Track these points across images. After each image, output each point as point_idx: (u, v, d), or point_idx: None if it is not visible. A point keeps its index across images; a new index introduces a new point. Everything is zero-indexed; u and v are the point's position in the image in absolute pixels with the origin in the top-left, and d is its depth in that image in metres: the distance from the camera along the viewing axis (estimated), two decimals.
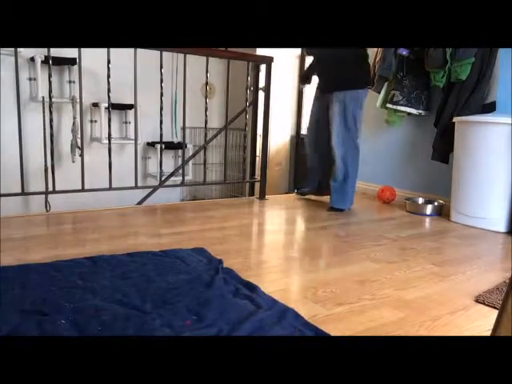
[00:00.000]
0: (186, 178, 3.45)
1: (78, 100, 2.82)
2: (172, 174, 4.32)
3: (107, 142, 2.79)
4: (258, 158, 3.58)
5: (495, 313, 0.83)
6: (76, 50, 2.95)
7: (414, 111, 3.23)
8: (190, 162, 4.66)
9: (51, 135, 2.62)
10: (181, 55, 3.72)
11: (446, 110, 2.98)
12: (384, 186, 3.45)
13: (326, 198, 3.17)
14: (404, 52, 3.13)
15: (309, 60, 3.57)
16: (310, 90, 4.69)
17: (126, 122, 4.53)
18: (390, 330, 1.35)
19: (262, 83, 3.32)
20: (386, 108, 3.34)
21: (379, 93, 3.35)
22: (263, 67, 3.26)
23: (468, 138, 2.72)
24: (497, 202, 2.66)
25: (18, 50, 2.70)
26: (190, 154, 4.60)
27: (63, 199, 3.30)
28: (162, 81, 2.84)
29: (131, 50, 2.68)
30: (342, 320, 1.40)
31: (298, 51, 4.64)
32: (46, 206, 3.43)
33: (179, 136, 4.86)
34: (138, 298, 1.41)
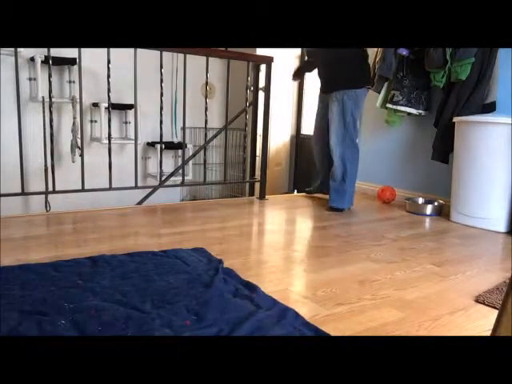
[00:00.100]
0: (186, 178, 3.45)
1: (78, 100, 2.82)
2: (172, 174, 4.32)
3: (107, 142, 2.79)
4: (258, 158, 3.58)
5: (495, 313, 0.83)
6: (76, 50, 2.95)
7: (414, 111, 3.23)
8: (190, 162, 4.66)
9: (51, 135, 2.62)
10: (181, 55, 3.72)
11: (446, 110, 2.98)
12: (384, 186, 3.45)
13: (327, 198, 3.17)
14: (404, 52, 3.14)
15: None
16: (310, 90, 4.69)
17: (126, 122, 4.53)
18: (390, 330, 1.35)
19: (262, 83, 3.32)
20: (386, 108, 3.34)
21: (379, 93, 3.35)
22: (263, 67, 3.26)
23: (468, 138, 2.72)
24: (497, 202, 2.66)
25: (18, 50, 2.70)
26: (190, 154, 4.60)
27: (63, 199, 3.31)
28: (161, 81, 2.84)
29: (131, 50, 2.68)
30: (342, 320, 1.40)
31: (298, 51, 4.64)
32: (45, 206, 3.43)
33: (179, 136, 4.86)
34: (138, 298, 1.42)
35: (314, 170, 3.49)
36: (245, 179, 4.27)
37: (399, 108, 3.24)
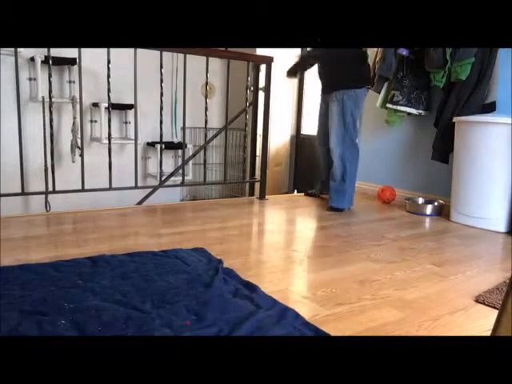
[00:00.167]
0: (186, 178, 3.45)
1: (78, 100, 2.82)
2: (172, 174, 4.32)
3: (107, 142, 2.79)
4: (258, 158, 3.58)
5: (495, 313, 0.83)
6: (76, 50, 2.95)
7: (414, 111, 3.23)
8: (190, 162, 4.66)
9: (51, 135, 2.62)
10: (181, 55, 3.72)
11: (446, 110, 2.98)
12: (384, 186, 3.45)
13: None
14: (404, 52, 3.14)
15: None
16: (310, 90, 4.69)
17: (125, 122, 4.53)
18: (390, 330, 1.35)
19: (262, 83, 3.32)
20: (386, 108, 3.34)
21: (379, 93, 3.35)
22: (263, 67, 3.26)
23: (468, 138, 2.72)
24: (497, 202, 2.66)
25: (18, 50, 2.70)
26: (190, 154, 4.60)
27: (63, 199, 3.30)
28: (161, 81, 2.84)
29: (131, 50, 2.68)
30: (342, 320, 1.40)
31: (298, 51, 4.63)
32: (45, 206, 3.43)
33: (179, 136, 4.86)
34: (138, 298, 1.41)
35: (314, 170, 3.49)
36: (245, 179, 4.27)
37: (399, 108, 3.24)
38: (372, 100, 3.34)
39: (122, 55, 3.00)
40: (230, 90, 3.20)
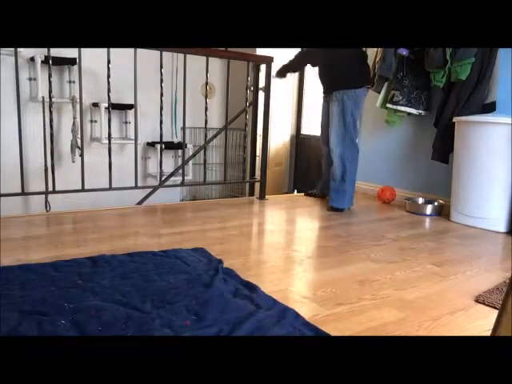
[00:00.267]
0: (186, 178, 3.45)
1: (78, 100, 2.82)
2: (172, 174, 4.32)
3: (107, 142, 2.79)
4: (258, 158, 3.58)
5: (495, 313, 0.83)
6: (76, 50, 2.95)
7: (414, 111, 3.23)
8: (190, 162, 4.66)
9: (51, 135, 2.62)
10: (181, 55, 3.72)
11: (446, 110, 2.98)
12: (384, 186, 3.45)
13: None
14: (404, 52, 3.14)
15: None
16: (310, 90, 4.69)
17: (126, 122, 4.53)
18: (390, 330, 1.35)
19: (262, 83, 3.32)
20: (386, 108, 3.34)
21: (379, 93, 3.35)
22: (263, 67, 3.26)
23: (468, 138, 2.72)
24: (497, 202, 2.66)
25: (18, 50, 2.70)
26: (190, 154, 4.60)
27: (63, 199, 3.30)
28: (161, 81, 2.84)
29: (131, 50, 2.68)
30: (341, 320, 1.40)
31: (297, 51, 4.63)
32: (46, 206, 3.43)
33: (179, 136, 4.86)
34: (138, 298, 1.41)
35: (314, 170, 3.49)
36: (245, 179, 4.27)
37: (399, 108, 3.24)
38: (372, 100, 3.34)
39: (122, 55, 3.00)
40: (230, 90, 3.20)
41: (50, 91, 2.57)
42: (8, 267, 1.63)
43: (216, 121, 5.00)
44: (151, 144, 4.63)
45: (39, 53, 3.79)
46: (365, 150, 3.46)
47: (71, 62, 3.92)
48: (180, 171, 3.58)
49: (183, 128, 3.16)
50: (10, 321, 1.22)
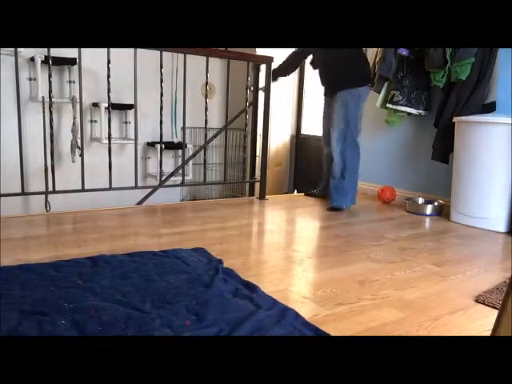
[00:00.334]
0: (186, 178, 3.45)
1: (78, 100, 2.82)
2: (172, 174, 4.32)
3: (107, 142, 2.79)
4: (258, 158, 3.57)
5: (495, 313, 0.83)
6: (76, 50, 2.95)
7: (414, 111, 3.23)
8: (190, 162, 4.66)
9: (51, 135, 2.62)
10: (181, 55, 3.72)
11: (446, 110, 2.98)
12: (384, 186, 3.45)
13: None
14: (404, 52, 3.14)
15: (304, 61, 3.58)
16: (310, 90, 4.69)
17: (126, 122, 4.53)
18: (390, 330, 1.35)
19: (262, 83, 3.32)
20: (386, 108, 3.34)
21: (379, 93, 3.35)
22: (263, 67, 3.26)
23: (468, 138, 2.72)
24: (497, 202, 2.66)
25: (18, 50, 2.70)
26: (190, 154, 4.60)
27: (63, 199, 3.30)
28: (161, 81, 2.84)
29: (131, 50, 2.68)
30: (341, 320, 1.40)
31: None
32: (45, 206, 3.43)
33: (179, 136, 4.86)
34: (138, 298, 1.41)
35: (314, 170, 3.49)
36: (245, 179, 4.27)
37: (399, 108, 3.24)
38: (372, 100, 3.34)
39: (122, 55, 3.00)
40: (230, 90, 3.20)
41: (50, 91, 2.57)
42: (8, 267, 1.63)
43: (216, 121, 4.99)
44: (151, 144, 4.63)
45: (39, 53, 3.78)
46: (365, 149, 3.45)
47: (71, 62, 3.92)
48: (180, 171, 3.59)
49: (183, 128, 3.16)
50: (10, 321, 1.22)
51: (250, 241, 2.32)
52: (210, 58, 3.02)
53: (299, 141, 4.86)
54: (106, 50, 2.61)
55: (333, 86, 3.04)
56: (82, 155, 2.73)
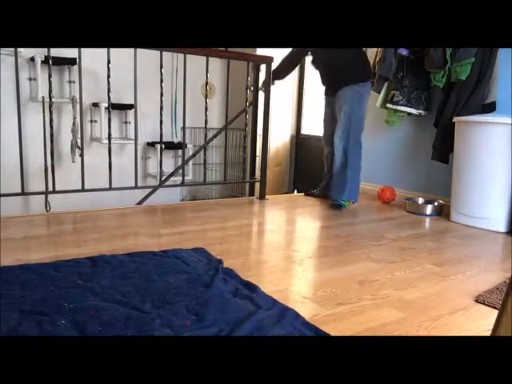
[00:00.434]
0: (186, 178, 3.45)
1: (78, 100, 2.82)
2: (172, 174, 4.32)
3: (107, 142, 2.79)
4: (258, 158, 3.58)
5: (495, 313, 0.83)
6: (76, 49, 2.95)
7: (414, 111, 3.23)
8: (190, 162, 4.66)
9: (51, 135, 2.62)
10: (181, 55, 3.72)
11: (446, 110, 2.98)
12: (384, 186, 3.45)
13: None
14: (404, 52, 3.14)
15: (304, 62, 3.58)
16: (310, 90, 4.69)
17: (126, 122, 4.53)
18: (390, 330, 1.35)
19: (262, 83, 3.32)
20: (386, 108, 3.34)
21: (379, 93, 3.35)
22: (263, 67, 3.26)
23: (468, 138, 2.72)
24: (497, 202, 2.66)
25: (18, 50, 2.70)
26: (190, 154, 4.60)
27: (63, 199, 3.30)
28: (161, 81, 2.84)
29: (131, 50, 2.68)
30: (341, 320, 1.40)
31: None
32: (46, 206, 3.43)
33: (179, 136, 4.86)
34: (138, 298, 1.41)
35: (314, 170, 3.49)
36: (245, 179, 4.27)
37: (399, 108, 3.24)
38: (372, 100, 3.34)
39: (122, 55, 3.00)
40: (230, 90, 3.20)
41: (50, 91, 2.57)
42: (8, 267, 1.63)
43: (216, 121, 5.00)
44: (151, 144, 4.63)
45: (39, 53, 3.79)
46: (365, 149, 3.44)
47: (71, 62, 3.92)
48: (180, 171, 3.59)
49: (183, 128, 3.16)
50: (10, 321, 1.22)
51: (250, 241, 2.32)
52: (210, 58, 3.02)
53: (299, 141, 4.86)
54: (106, 50, 2.61)
55: (334, 85, 3.05)
56: (82, 155, 2.73)
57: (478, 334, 1.36)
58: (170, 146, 4.67)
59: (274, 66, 3.24)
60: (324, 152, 3.33)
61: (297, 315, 1.37)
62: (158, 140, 3.10)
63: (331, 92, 3.10)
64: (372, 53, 3.39)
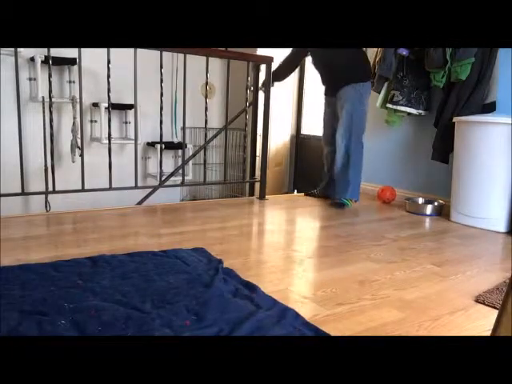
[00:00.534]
0: (186, 178, 3.45)
1: (78, 100, 2.82)
2: (172, 174, 4.32)
3: (107, 142, 2.79)
4: (258, 158, 3.58)
5: (495, 313, 0.83)
6: (76, 50, 2.95)
7: (414, 111, 3.23)
8: (190, 162, 4.66)
9: (51, 135, 2.62)
10: (181, 55, 3.72)
11: (446, 110, 2.98)
12: (384, 186, 3.45)
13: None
14: (404, 52, 3.14)
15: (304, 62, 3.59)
16: (310, 90, 4.69)
17: (126, 122, 4.53)
18: (389, 330, 1.35)
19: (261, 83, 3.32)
20: (386, 108, 3.34)
21: (379, 93, 3.35)
22: (263, 67, 3.26)
23: (468, 138, 2.72)
24: (497, 202, 2.65)
25: (18, 50, 2.70)
26: (190, 154, 4.60)
27: (63, 199, 3.30)
28: (161, 81, 2.84)
29: (131, 50, 2.68)
30: (341, 320, 1.40)
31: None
32: (46, 206, 3.43)
33: (179, 136, 4.86)
34: (138, 298, 1.41)
35: (314, 170, 3.49)
36: (245, 179, 4.27)
37: (399, 108, 3.24)
38: (372, 100, 3.34)
39: (122, 55, 3.00)
40: (230, 90, 3.20)
41: (50, 91, 2.57)
42: (8, 267, 1.63)
43: (216, 121, 5.00)
44: (151, 144, 4.63)
45: (39, 53, 3.79)
46: (365, 149, 3.45)
47: (71, 62, 3.92)
48: (180, 171, 3.59)
49: (183, 128, 3.16)
50: (10, 321, 1.22)
51: (250, 241, 2.31)
52: (210, 58, 3.02)
53: (299, 141, 4.86)
54: (106, 50, 2.61)
55: (334, 85, 3.05)
56: (82, 155, 2.73)
57: (478, 333, 1.36)
58: (170, 146, 4.67)
59: (274, 66, 3.25)
60: (324, 152, 3.33)
61: (297, 315, 1.37)
62: (158, 140, 3.10)
63: (331, 92, 3.10)
64: (372, 53, 3.39)
